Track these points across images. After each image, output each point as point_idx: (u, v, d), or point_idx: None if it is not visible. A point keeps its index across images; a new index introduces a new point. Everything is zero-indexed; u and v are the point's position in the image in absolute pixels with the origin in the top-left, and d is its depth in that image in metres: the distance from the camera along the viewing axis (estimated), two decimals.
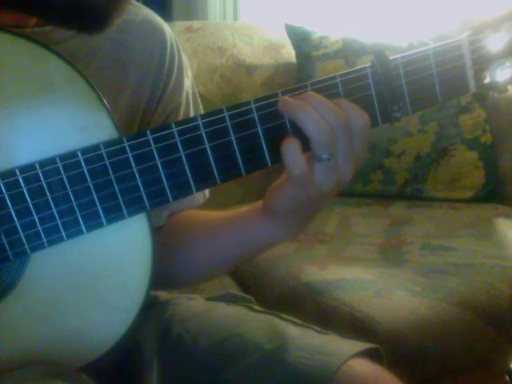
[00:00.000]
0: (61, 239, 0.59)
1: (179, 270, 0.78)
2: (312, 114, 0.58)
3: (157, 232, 0.78)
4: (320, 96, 0.59)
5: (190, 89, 0.83)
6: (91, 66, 0.71)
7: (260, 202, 0.70)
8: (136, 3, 0.78)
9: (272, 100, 0.60)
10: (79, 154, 0.57)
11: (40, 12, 0.60)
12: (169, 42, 0.79)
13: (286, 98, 0.59)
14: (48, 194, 0.57)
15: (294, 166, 0.59)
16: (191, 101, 0.83)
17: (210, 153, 0.59)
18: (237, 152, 0.60)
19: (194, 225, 0.79)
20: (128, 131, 0.72)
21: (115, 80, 0.73)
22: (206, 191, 0.84)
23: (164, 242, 0.77)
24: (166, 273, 0.77)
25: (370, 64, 0.62)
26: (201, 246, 0.76)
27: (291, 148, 0.58)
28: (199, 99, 0.85)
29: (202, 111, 0.85)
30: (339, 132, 0.58)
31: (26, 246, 0.58)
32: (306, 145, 0.59)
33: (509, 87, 0.65)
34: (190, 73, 0.83)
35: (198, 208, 0.82)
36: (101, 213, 0.59)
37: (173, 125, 0.58)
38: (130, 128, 0.75)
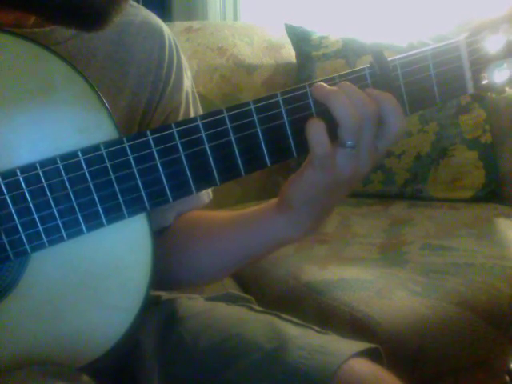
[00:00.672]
0: (61, 239, 0.59)
1: (188, 270, 0.78)
2: (344, 99, 0.59)
3: (163, 233, 0.78)
4: (354, 86, 0.60)
5: (190, 89, 0.83)
6: (90, 67, 0.71)
7: (273, 200, 0.71)
8: (135, 4, 0.79)
9: (271, 101, 0.60)
10: (80, 155, 0.58)
11: (39, 11, 0.60)
12: (168, 43, 0.79)
13: (321, 83, 0.61)
14: (48, 193, 0.57)
15: (318, 145, 0.60)
16: (191, 101, 0.83)
17: (209, 153, 0.60)
18: (236, 152, 0.60)
19: (204, 225, 0.79)
20: (128, 131, 0.73)
21: (114, 80, 0.73)
22: (210, 191, 0.84)
23: (172, 242, 0.77)
24: (175, 274, 0.77)
25: (368, 65, 0.63)
26: (213, 246, 0.76)
27: (316, 128, 0.60)
28: (198, 100, 0.85)
29: (201, 112, 0.85)
30: (368, 122, 0.60)
31: (27, 246, 0.58)
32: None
33: (507, 88, 0.65)
34: (189, 73, 0.84)
35: (203, 208, 0.83)
36: (101, 213, 0.59)
37: (173, 125, 0.59)
38: (130, 128, 0.75)
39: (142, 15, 0.78)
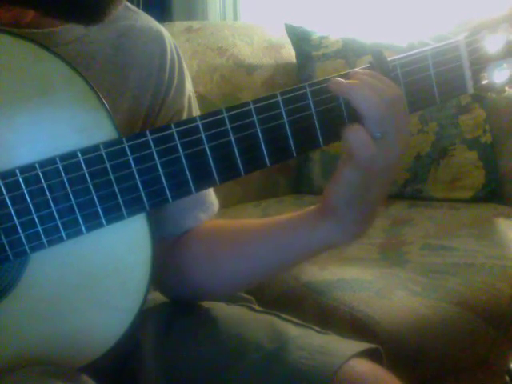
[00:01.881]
0: (60, 239, 0.59)
1: (216, 278, 0.77)
2: (365, 90, 0.59)
3: (182, 242, 0.78)
4: (370, 74, 0.61)
5: (192, 93, 0.83)
6: (90, 70, 0.71)
7: (312, 207, 0.70)
8: (135, 10, 0.79)
9: (271, 101, 0.60)
10: (79, 155, 0.58)
11: (37, 4, 0.60)
12: (169, 47, 0.79)
13: (338, 78, 0.61)
14: (48, 194, 0.57)
15: (363, 149, 0.60)
16: (193, 105, 0.83)
17: (209, 153, 0.60)
18: (236, 152, 0.60)
19: (233, 230, 0.78)
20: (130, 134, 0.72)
21: (115, 84, 0.73)
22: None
23: (196, 251, 0.76)
24: (201, 285, 0.77)
25: (368, 65, 0.63)
26: (244, 251, 0.75)
27: (357, 132, 0.60)
28: (197, 104, 0.85)
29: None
30: (392, 109, 0.60)
31: (26, 246, 0.58)
32: None
33: (507, 88, 0.65)
34: (189, 78, 0.84)
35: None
36: (100, 213, 0.59)
37: (172, 125, 0.59)
38: (132, 131, 0.75)
39: (142, 20, 0.78)
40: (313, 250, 0.72)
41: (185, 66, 0.82)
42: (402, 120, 0.61)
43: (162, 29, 0.80)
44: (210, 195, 0.81)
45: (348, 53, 1.71)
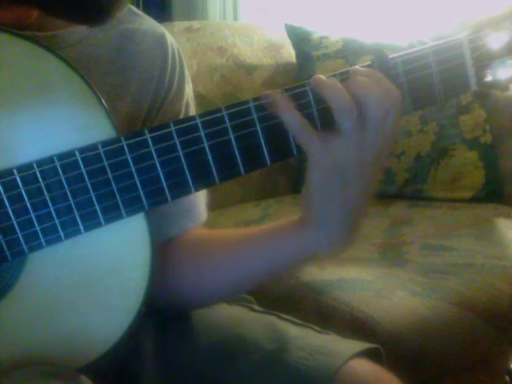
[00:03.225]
0: (59, 239, 0.59)
1: (204, 287, 0.77)
2: (334, 86, 0.60)
3: (168, 250, 0.77)
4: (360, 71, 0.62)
5: (191, 99, 0.83)
6: (92, 72, 0.71)
7: (295, 217, 0.69)
8: (139, 13, 0.79)
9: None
10: (77, 153, 0.57)
11: (41, 3, 0.60)
12: (171, 51, 0.79)
13: (318, 76, 0.62)
14: (46, 193, 0.57)
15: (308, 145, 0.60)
16: (191, 110, 0.83)
17: (208, 152, 0.59)
18: (235, 151, 0.60)
19: (219, 240, 0.78)
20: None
21: (116, 86, 0.73)
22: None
23: (183, 260, 0.76)
24: (189, 294, 0.76)
25: (369, 62, 0.62)
26: (230, 261, 0.74)
27: (278, 102, 0.60)
28: (195, 109, 0.85)
29: None
30: (373, 105, 0.59)
31: (24, 246, 0.58)
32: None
33: (510, 85, 0.65)
34: (190, 84, 0.83)
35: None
36: (99, 212, 0.59)
37: (171, 124, 0.58)
38: None
39: (146, 24, 0.78)
40: (298, 258, 0.71)
41: (187, 72, 0.82)
42: (386, 121, 0.60)
43: (166, 33, 0.80)
44: (200, 205, 0.80)
45: (348, 53, 1.71)
